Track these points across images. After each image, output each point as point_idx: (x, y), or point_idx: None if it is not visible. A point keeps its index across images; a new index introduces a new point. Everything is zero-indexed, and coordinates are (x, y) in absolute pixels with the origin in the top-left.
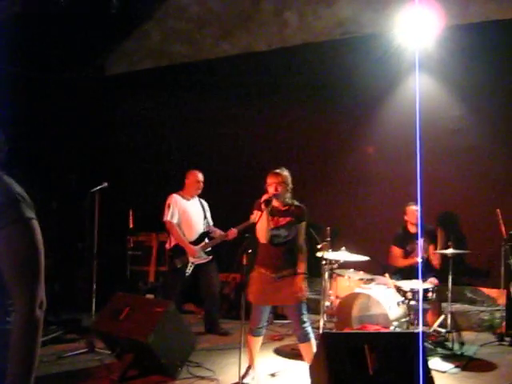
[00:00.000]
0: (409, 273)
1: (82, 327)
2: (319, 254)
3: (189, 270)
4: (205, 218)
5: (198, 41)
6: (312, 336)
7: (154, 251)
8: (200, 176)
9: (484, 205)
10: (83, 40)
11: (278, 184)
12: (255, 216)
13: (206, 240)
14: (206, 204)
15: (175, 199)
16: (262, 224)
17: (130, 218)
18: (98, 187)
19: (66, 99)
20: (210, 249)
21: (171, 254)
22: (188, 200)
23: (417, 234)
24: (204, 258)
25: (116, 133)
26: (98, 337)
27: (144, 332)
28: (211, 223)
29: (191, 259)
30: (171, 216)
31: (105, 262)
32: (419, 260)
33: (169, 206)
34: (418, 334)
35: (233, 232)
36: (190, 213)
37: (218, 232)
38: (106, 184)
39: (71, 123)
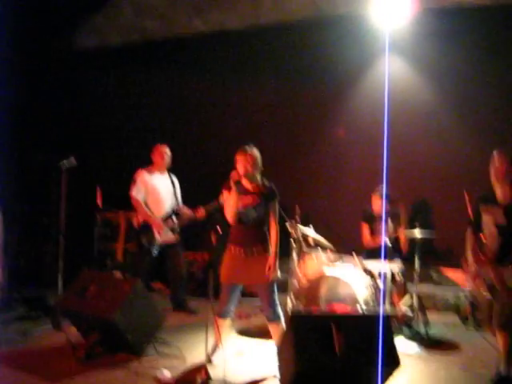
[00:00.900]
0: (375, 253)
1: (47, 304)
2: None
3: (155, 250)
4: (174, 194)
5: (170, 17)
6: (281, 316)
7: (121, 229)
8: (165, 149)
9: (453, 188)
10: (51, 14)
11: (248, 163)
12: (224, 196)
13: (174, 218)
14: (176, 181)
15: (141, 174)
16: (230, 203)
17: (98, 195)
18: (66, 162)
19: (33, 74)
20: (177, 228)
21: (138, 231)
22: (156, 174)
23: (384, 214)
24: (171, 238)
25: (85, 108)
26: (64, 314)
27: (110, 309)
28: (180, 201)
29: (158, 237)
30: (136, 191)
31: (72, 239)
32: (384, 241)
33: (135, 181)
34: (383, 315)
35: (201, 211)
36: (158, 189)
37: (186, 211)
38: (73, 160)
39: (38, 99)
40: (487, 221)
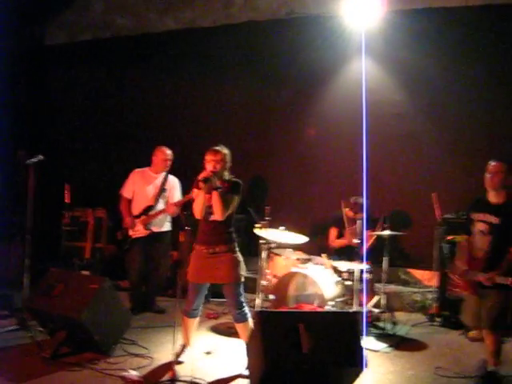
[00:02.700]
0: (347, 254)
1: (13, 303)
2: (257, 233)
3: (127, 244)
4: (161, 193)
5: (141, 14)
6: (249, 316)
7: (90, 227)
8: (168, 153)
9: (421, 189)
10: (22, 8)
11: (217, 162)
12: (194, 194)
13: (149, 213)
14: (174, 181)
15: (133, 174)
16: (198, 202)
17: (66, 192)
18: (34, 160)
19: (2, 68)
20: (152, 224)
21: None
22: (149, 174)
23: (356, 218)
24: (141, 232)
25: (54, 105)
26: (30, 313)
27: (77, 308)
28: (176, 199)
29: (130, 232)
30: (123, 189)
31: (39, 238)
32: (356, 241)
33: (126, 181)
34: (354, 313)
35: (171, 206)
36: (144, 188)
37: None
38: (41, 157)
39: (7, 94)
40: (479, 226)
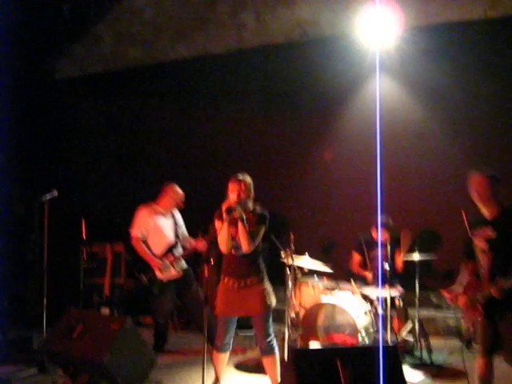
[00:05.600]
0: (374, 280)
1: (32, 346)
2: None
3: (157, 287)
4: (175, 230)
5: (152, 44)
6: (276, 349)
7: (108, 263)
8: (177, 190)
9: (447, 208)
10: (31, 43)
11: (241, 191)
12: (217, 226)
13: (175, 253)
14: (178, 214)
15: (143, 213)
16: (222, 234)
17: (83, 228)
18: (48, 194)
19: (14, 103)
20: (180, 263)
21: (137, 269)
22: (161, 213)
23: (380, 241)
24: (173, 275)
25: (67, 138)
26: (49, 356)
27: (99, 351)
28: (186, 234)
29: (159, 275)
30: (135, 229)
31: (57, 275)
32: (382, 267)
33: (135, 219)
34: (389, 345)
35: (200, 242)
36: (161, 227)
37: (192, 242)
38: (55, 193)
39: (20, 129)
40: (478, 244)
